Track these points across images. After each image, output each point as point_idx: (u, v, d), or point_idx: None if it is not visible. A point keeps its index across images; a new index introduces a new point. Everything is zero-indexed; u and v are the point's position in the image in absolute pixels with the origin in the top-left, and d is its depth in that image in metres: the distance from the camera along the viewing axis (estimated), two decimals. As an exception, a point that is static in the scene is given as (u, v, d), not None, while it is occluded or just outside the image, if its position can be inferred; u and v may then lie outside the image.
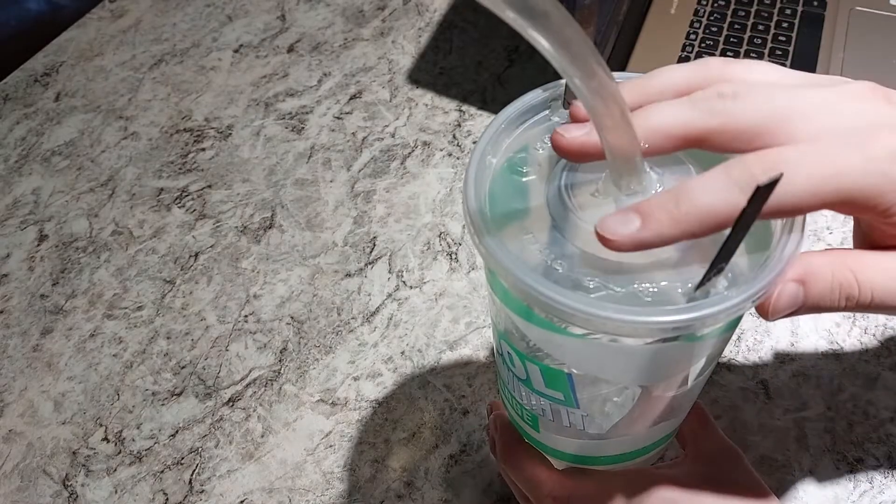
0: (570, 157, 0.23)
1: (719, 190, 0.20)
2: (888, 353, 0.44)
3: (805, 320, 0.45)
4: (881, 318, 0.45)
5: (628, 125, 0.21)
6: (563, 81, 0.26)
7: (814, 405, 0.42)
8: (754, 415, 0.42)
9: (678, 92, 0.23)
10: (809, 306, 0.22)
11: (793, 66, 0.57)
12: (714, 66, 0.24)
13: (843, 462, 0.40)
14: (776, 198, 0.20)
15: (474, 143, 0.57)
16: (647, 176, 0.23)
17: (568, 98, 0.26)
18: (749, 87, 0.22)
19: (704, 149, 0.22)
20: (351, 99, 0.61)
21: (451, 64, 0.63)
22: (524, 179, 0.25)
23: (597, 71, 0.20)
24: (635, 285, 0.21)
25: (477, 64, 0.63)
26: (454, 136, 0.58)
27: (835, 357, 0.44)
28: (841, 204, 0.21)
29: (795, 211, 0.21)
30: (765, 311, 0.22)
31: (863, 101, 0.22)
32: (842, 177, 0.20)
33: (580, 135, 0.22)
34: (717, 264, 0.20)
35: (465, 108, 0.60)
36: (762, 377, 0.43)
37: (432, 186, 0.54)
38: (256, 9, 0.70)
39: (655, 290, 0.21)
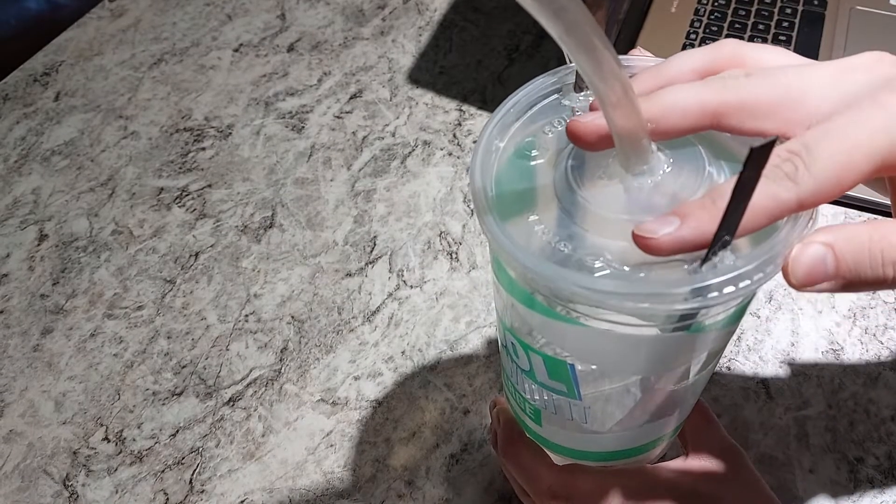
0: (586, 142, 0.23)
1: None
2: (889, 353, 0.44)
3: (805, 320, 0.45)
4: (881, 318, 0.45)
5: (631, 103, 0.21)
6: (574, 65, 0.26)
7: (815, 404, 0.42)
8: (755, 413, 0.42)
9: (694, 74, 0.23)
10: (846, 277, 0.20)
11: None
12: (728, 48, 0.24)
13: (844, 461, 0.40)
14: (813, 185, 0.19)
15: (475, 142, 0.57)
16: (655, 156, 0.22)
17: (579, 81, 0.26)
18: (762, 69, 0.22)
19: (721, 129, 0.22)
20: (351, 98, 0.61)
21: (452, 63, 0.63)
22: (532, 163, 0.25)
23: (596, 46, 0.19)
24: (641, 265, 0.21)
25: (477, 63, 0.63)
26: (454, 136, 0.58)
27: (835, 356, 0.44)
28: (883, 168, 0.20)
29: (836, 192, 0.20)
30: (786, 275, 0.20)
31: (871, 69, 0.22)
32: (869, 142, 0.20)
33: (595, 118, 0.22)
34: (721, 236, 0.19)
35: (465, 107, 0.60)
36: (763, 376, 0.43)
37: (433, 185, 0.54)
38: (256, 8, 0.70)
39: (662, 270, 0.21)
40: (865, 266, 0.20)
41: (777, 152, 0.20)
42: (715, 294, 0.20)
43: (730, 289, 0.19)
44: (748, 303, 0.26)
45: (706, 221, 0.19)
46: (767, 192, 0.19)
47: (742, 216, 0.19)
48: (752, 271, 0.20)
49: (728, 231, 0.19)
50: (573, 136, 0.23)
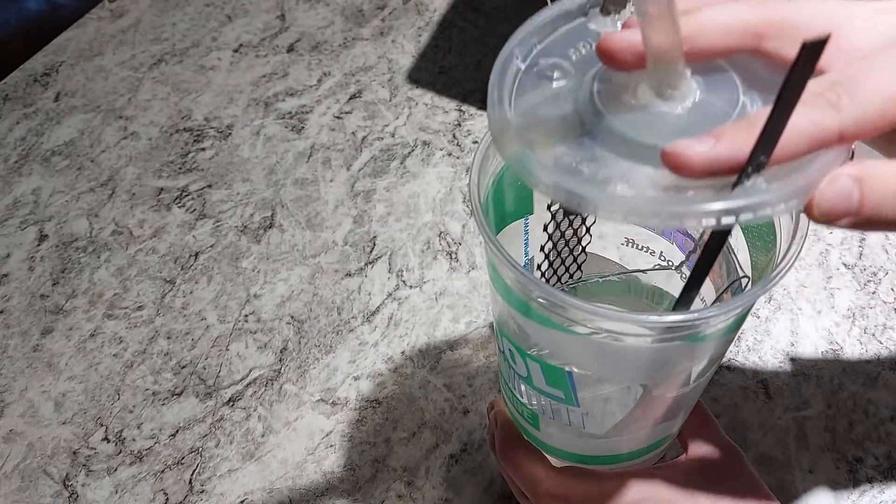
0: (617, 60, 0.22)
1: (797, 107, 0.18)
2: (888, 353, 0.44)
3: (804, 320, 0.46)
4: (881, 318, 0.45)
5: (673, 17, 0.20)
6: None
7: (814, 404, 0.42)
8: (754, 413, 0.42)
9: None
10: (867, 215, 0.19)
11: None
12: None
13: (843, 461, 0.40)
14: (856, 114, 0.18)
15: (475, 142, 0.57)
16: (687, 81, 0.21)
17: (607, 4, 0.24)
18: None
19: (759, 52, 0.21)
20: (351, 98, 0.61)
21: (451, 63, 0.63)
22: (553, 84, 0.23)
23: None
24: (667, 189, 0.20)
25: (477, 63, 0.63)
26: (454, 136, 0.58)
27: (835, 356, 0.44)
28: None
29: (879, 124, 0.19)
30: (810, 208, 0.19)
31: None
32: None
33: (629, 34, 0.21)
34: (757, 157, 0.18)
35: (464, 107, 0.60)
36: (762, 376, 0.43)
37: (432, 186, 0.54)
38: (256, 8, 0.70)
39: (691, 192, 0.20)
40: (888, 206, 0.19)
41: (818, 82, 0.19)
42: (748, 216, 0.18)
43: (765, 211, 0.18)
44: (748, 311, 0.26)
45: (742, 142, 0.18)
46: (809, 118, 0.18)
47: (780, 135, 0.18)
48: (782, 197, 0.18)
49: (765, 151, 0.18)
50: (603, 52, 0.22)
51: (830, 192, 0.19)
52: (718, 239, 0.22)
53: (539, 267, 0.33)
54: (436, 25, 0.67)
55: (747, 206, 0.18)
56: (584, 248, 0.34)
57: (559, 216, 0.31)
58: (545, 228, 0.32)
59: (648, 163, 0.20)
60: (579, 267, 0.35)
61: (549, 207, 0.31)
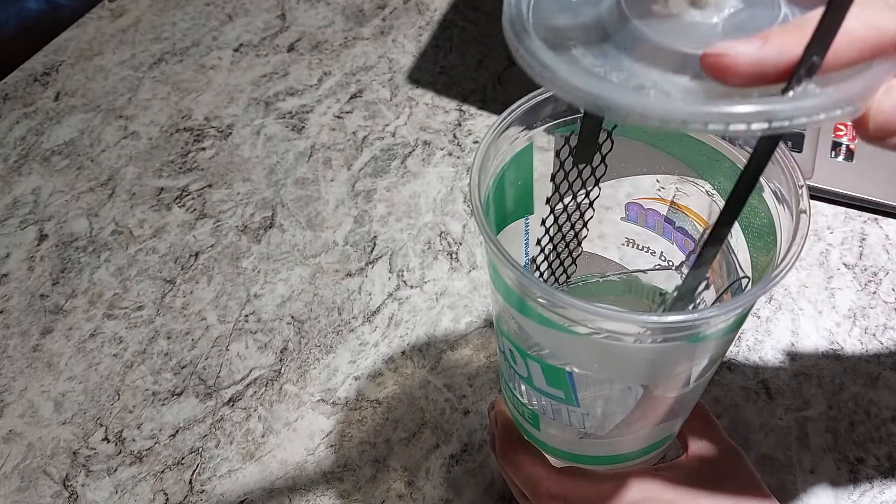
0: None
1: (852, 8, 0.16)
2: (889, 353, 0.44)
3: (805, 320, 0.45)
4: (881, 318, 0.45)
5: None
6: None
7: (815, 404, 0.42)
8: (755, 414, 0.42)
9: None
10: None
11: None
12: None
13: (844, 461, 0.40)
14: None
15: (475, 142, 0.57)
16: None
17: None
18: None
19: None
20: (351, 98, 0.61)
21: (452, 63, 0.63)
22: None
23: None
24: (707, 95, 0.18)
25: (477, 63, 0.63)
26: (455, 136, 0.58)
27: (836, 357, 0.44)
28: None
29: None
30: (864, 121, 0.18)
31: None
32: None
33: None
34: (809, 58, 0.16)
35: (465, 107, 0.60)
36: (763, 377, 0.43)
37: (433, 186, 0.54)
38: (256, 7, 0.70)
39: (727, 95, 0.18)
40: None
41: None
42: (801, 120, 0.16)
43: (819, 116, 0.16)
44: (748, 311, 0.26)
45: (793, 43, 0.17)
46: (865, 19, 0.17)
47: (834, 35, 0.16)
48: (837, 102, 0.17)
49: (818, 52, 0.16)
50: None
51: (888, 103, 0.17)
52: (764, 151, 0.20)
53: (538, 266, 0.33)
54: (436, 25, 0.67)
55: (801, 108, 0.16)
56: (574, 258, 0.34)
57: (553, 229, 0.31)
58: (538, 242, 0.32)
59: (683, 72, 0.18)
60: (569, 276, 0.35)
61: (543, 222, 0.31)
